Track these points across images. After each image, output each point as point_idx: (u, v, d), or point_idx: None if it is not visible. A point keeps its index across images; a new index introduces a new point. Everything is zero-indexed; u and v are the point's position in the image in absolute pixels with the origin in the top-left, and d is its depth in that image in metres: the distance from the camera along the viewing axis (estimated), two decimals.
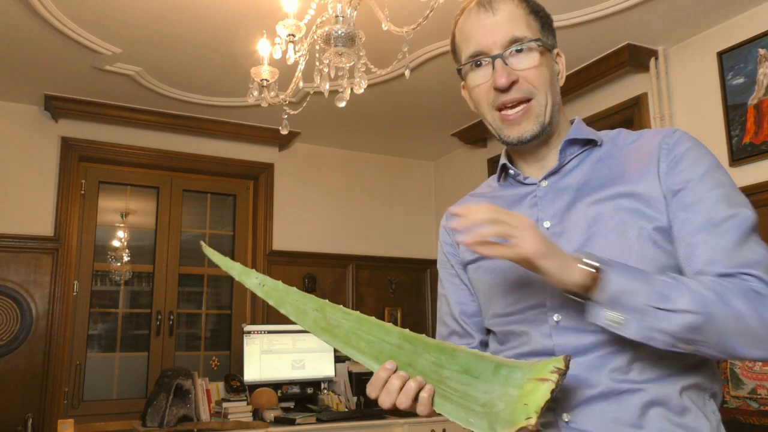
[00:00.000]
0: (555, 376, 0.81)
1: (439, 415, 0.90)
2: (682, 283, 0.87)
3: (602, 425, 0.92)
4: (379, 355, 0.91)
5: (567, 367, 0.82)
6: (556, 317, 0.98)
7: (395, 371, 0.91)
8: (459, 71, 1.09)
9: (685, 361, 0.94)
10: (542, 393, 0.81)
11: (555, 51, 1.08)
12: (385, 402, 0.91)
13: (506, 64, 1.01)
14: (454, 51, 1.12)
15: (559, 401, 0.94)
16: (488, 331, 1.14)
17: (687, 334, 0.85)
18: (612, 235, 0.96)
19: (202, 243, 1.00)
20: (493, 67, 1.02)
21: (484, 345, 1.15)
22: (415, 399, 0.89)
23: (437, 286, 1.25)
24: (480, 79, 1.05)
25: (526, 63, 1.02)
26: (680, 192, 0.95)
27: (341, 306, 0.93)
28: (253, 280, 0.94)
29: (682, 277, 0.90)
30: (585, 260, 0.87)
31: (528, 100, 1.02)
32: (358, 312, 0.93)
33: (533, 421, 0.80)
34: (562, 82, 1.10)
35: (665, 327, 0.85)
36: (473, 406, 0.87)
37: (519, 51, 1.01)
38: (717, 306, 0.85)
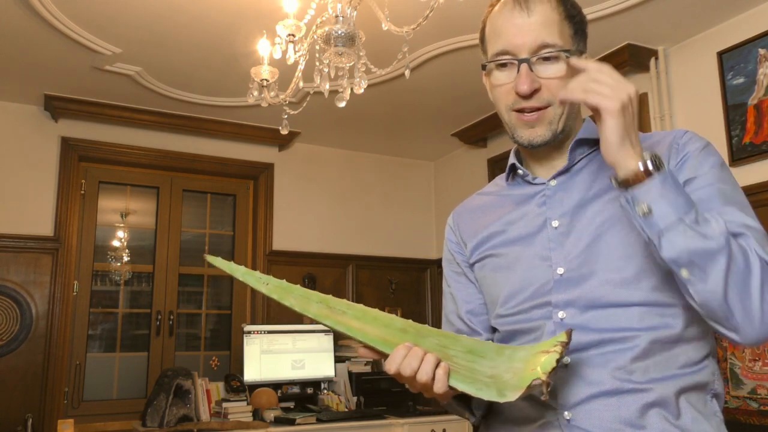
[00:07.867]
0: (559, 347, 0.84)
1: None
2: (716, 218, 0.89)
3: (603, 423, 0.92)
4: (385, 337, 0.93)
5: (569, 339, 0.85)
6: (561, 314, 0.98)
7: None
8: (483, 66, 1.08)
9: (686, 357, 0.95)
10: (548, 360, 0.84)
11: (584, 56, 1.06)
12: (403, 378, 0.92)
13: (531, 70, 1.00)
14: (482, 40, 1.10)
15: (561, 398, 0.95)
16: (493, 330, 1.14)
17: (698, 259, 0.85)
18: (619, 236, 0.97)
19: (206, 255, 1.04)
20: (518, 71, 1.01)
21: None
22: (432, 377, 0.90)
23: (442, 284, 1.24)
24: (503, 80, 1.04)
25: (552, 72, 1.00)
26: (686, 184, 0.96)
27: (344, 300, 0.97)
28: (256, 279, 0.97)
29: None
30: (647, 158, 0.88)
31: (544, 108, 1.02)
32: (361, 304, 0.96)
33: (544, 377, 0.82)
34: None
35: (684, 245, 0.86)
36: (480, 377, 0.90)
37: (546, 59, 1.00)
38: (739, 255, 0.86)
